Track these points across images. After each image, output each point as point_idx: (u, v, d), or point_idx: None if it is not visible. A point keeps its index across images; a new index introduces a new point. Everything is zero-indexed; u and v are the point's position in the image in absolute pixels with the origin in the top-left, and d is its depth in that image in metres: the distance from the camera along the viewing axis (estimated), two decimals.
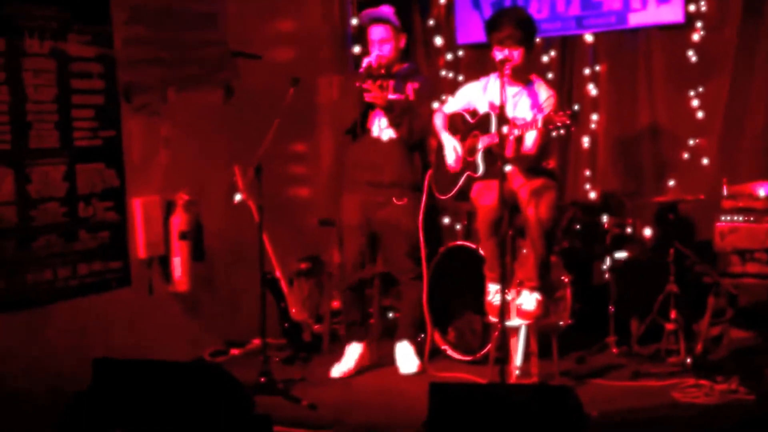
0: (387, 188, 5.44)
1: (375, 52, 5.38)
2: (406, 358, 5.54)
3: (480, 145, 5.11)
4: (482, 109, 5.22)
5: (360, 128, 5.50)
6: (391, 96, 5.32)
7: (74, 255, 5.31)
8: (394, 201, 5.44)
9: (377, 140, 5.46)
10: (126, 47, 5.58)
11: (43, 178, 5.14)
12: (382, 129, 5.45)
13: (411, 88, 5.41)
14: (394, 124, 5.35)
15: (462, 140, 5.27)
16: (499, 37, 4.99)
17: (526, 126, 4.78)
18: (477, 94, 5.29)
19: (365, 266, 5.61)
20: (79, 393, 3.74)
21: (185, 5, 5.99)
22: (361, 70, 5.35)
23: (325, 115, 7.05)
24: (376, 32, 5.44)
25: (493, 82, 5.21)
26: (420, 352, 5.57)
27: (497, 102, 4.71)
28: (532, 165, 5.06)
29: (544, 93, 5.07)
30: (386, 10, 5.51)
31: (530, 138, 4.94)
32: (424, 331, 5.60)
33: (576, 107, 4.93)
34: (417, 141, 5.45)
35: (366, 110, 5.46)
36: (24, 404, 4.67)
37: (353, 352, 5.58)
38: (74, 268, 5.30)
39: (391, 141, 5.43)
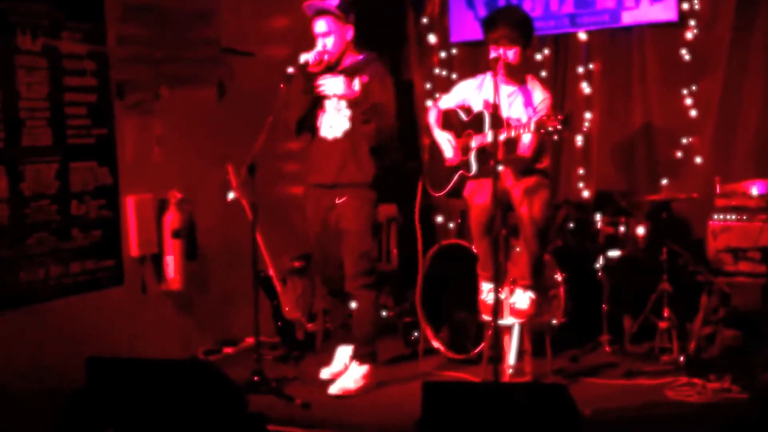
0: (329, 189, 5.25)
1: (316, 48, 5.15)
2: (346, 377, 5.24)
3: (473, 144, 5.10)
4: (477, 106, 5.18)
5: (304, 128, 5.31)
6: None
7: (67, 253, 5.29)
8: (336, 201, 5.24)
9: (323, 140, 5.26)
10: (119, 45, 5.57)
11: (35, 176, 5.12)
12: (328, 128, 5.26)
13: (359, 82, 5.15)
14: (363, 121, 5.10)
15: (456, 138, 5.25)
16: (494, 37, 4.95)
17: (518, 129, 4.76)
18: (472, 92, 5.25)
19: (338, 269, 5.38)
20: (72, 392, 3.73)
21: (179, 3, 5.97)
22: (293, 69, 5.08)
23: None
24: (319, 25, 5.16)
25: (489, 80, 5.17)
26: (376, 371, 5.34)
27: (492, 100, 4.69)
28: (526, 167, 5.03)
29: (539, 94, 5.04)
30: (329, 1, 5.22)
31: (526, 141, 4.91)
32: (374, 347, 5.32)
33: (568, 112, 4.91)
34: (384, 138, 5.16)
35: (313, 109, 5.26)
36: (17, 403, 4.65)
37: (343, 354, 5.52)
38: (67, 267, 5.28)
39: (335, 140, 5.22)
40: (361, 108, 5.08)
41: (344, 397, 5.10)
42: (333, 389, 5.16)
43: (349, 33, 5.22)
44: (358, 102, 5.08)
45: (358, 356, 5.29)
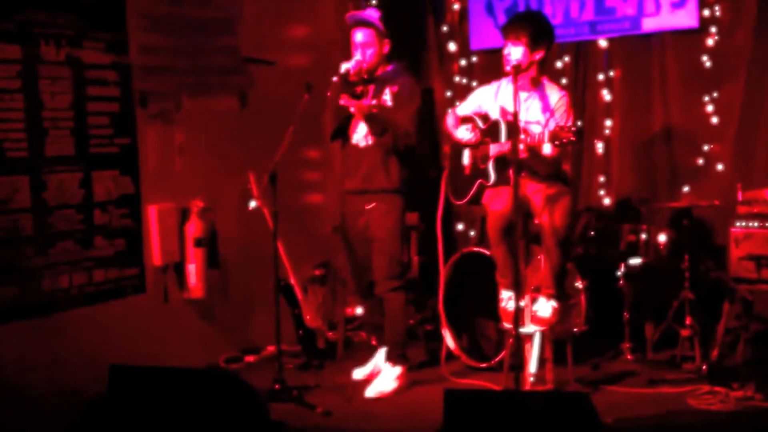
0: (358, 195, 5.37)
1: (355, 57, 5.27)
2: (381, 380, 5.37)
3: (491, 153, 5.09)
4: (493, 113, 5.18)
5: (342, 135, 5.41)
6: (368, 102, 5.20)
7: (90, 262, 5.33)
8: (365, 207, 5.36)
9: (355, 147, 5.38)
10: (141, 54, 5.61)
11: (59, 185, 5.17)
12: (359, 136, 5.36)
13: (390, 92, 5.29)
14: (376, 133, 5.22)
15: (473, 147, 5.24)
16: (505, 32, 5.02)
17: (533, 140, 4.73)
18: (488, 99, 5.25)
19: (368, 274, 5.48)
20: (95, 399, 3.76)
21: (200, 12, 6.01)
22: (336, 78, 5.22)
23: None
24: (359, 36, 5.30)
25: (504, 87, 5.18)
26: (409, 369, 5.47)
27: (509, 107, 4.67)
28: (550, 170, 5.00)
29: (555, 95, 5.03)
30: (371, 13, 5.40)
31: (547, 150, 4.86)
32: (406, 349, 5.44)
33: (580, 123, 4.88)
34: (400, 146, 5.26)
35: (349, 116, 5.35)
36: (40, 410, 4.68)
37: (380, 356, 5.58)
38: (90, 275, 5.32)
39: (366, 147, 5.34)
40: (372, 123, 5.18)
41: (380, 399, 5.20)
42: (369, 392, 5.27)
43: (386, 47, 5.36)
44: (370, 116, 5.17)
45: (391, 358, 5.40)
